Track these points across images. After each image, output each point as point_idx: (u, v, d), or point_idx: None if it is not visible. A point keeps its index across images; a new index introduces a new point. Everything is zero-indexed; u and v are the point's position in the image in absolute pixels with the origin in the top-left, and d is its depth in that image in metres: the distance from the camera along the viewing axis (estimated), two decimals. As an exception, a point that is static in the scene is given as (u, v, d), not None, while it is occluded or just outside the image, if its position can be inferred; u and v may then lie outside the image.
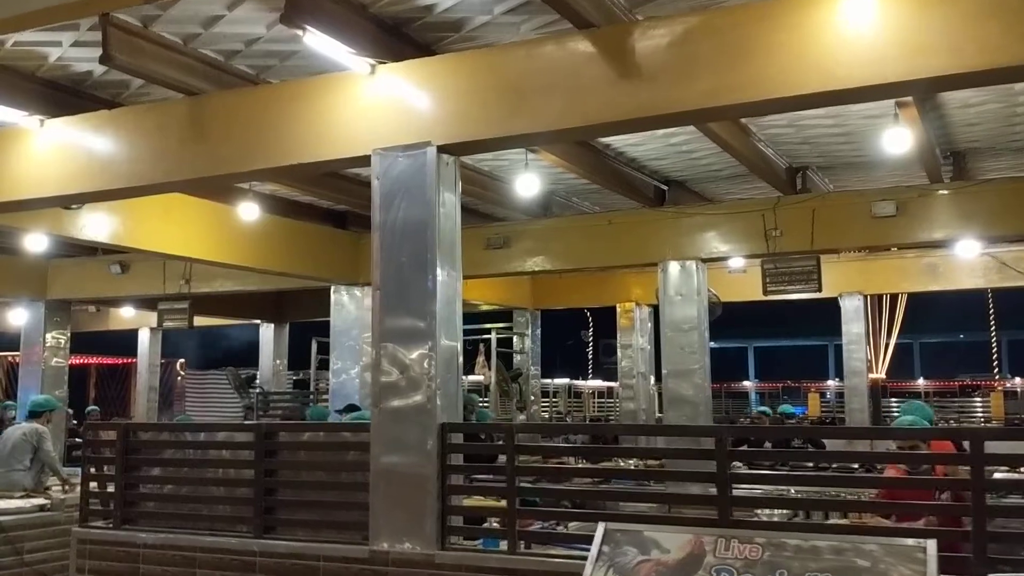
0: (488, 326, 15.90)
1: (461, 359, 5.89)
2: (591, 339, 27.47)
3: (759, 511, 5.71)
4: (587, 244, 10.99)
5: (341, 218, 11.83)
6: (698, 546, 4.51)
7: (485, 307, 16.17)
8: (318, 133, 6.15)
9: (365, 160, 5.95)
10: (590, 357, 28.55)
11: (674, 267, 10.29)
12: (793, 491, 6.54)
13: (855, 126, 8.39)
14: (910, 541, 4.11)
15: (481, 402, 17.29)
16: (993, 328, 29.06)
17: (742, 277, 13.19)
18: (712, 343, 10.81)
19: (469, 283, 13.36)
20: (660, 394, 17.24)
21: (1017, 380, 32.69)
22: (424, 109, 5.79)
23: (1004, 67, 4.43)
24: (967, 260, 13.12)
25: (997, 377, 31.09)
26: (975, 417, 26.12)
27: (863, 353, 14.61)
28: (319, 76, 6.21)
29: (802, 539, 4.32)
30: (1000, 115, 8.00)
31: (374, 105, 5.94)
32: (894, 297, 17.33)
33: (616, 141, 8.86)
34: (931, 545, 4.05)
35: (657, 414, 16.18)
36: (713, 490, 4.86)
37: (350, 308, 11.79)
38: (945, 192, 9.42)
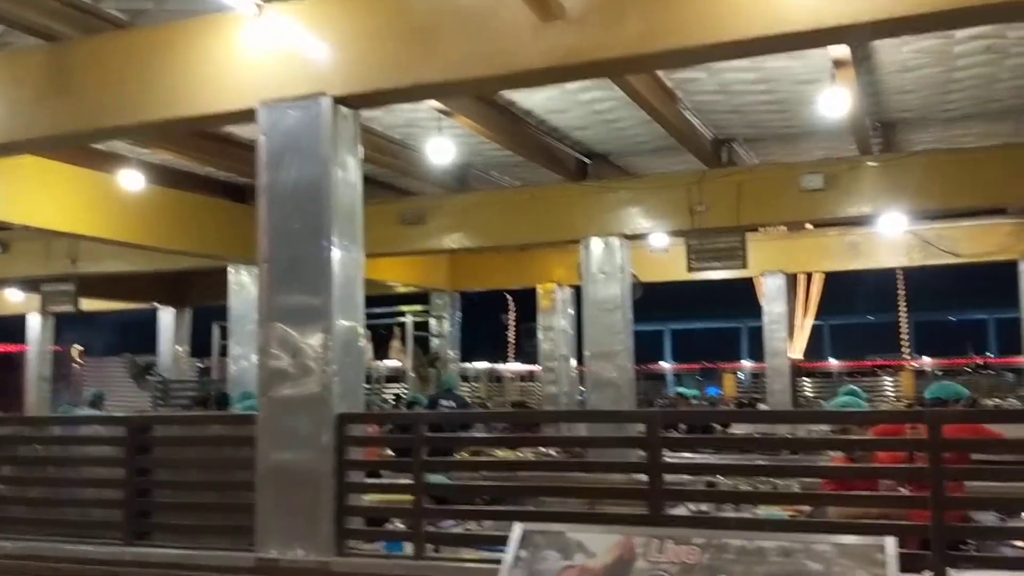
0: (404, 308, 15.18)
1: (363, 342, 5.24)
2: (513, 322, 26.97)
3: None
4: (507, 220, 10.41)
5: (240, 192, 10.99)
6: (628, 549, 3.96)
7: (401, 289, 15.48)
8: (196, 83, 5.40)
9: (250, 114, 5.22)
10: (511, 341, 28.07)
11: (597, 244, 9.79)
12: (720, 478, 6.10)
13: (786, 93, 7.96)
14: (867, 540, 3.63)
15: (400, 388, 16.64)
16: (902, 309, 29.62)
17: (663, 257, 12.77)
18: (630, 325, 10.32)
19: (383, 262, 12.81)
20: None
21: (926, 360, 33.43)
22: (318, 56, 5.09)
23: (968, 6, 3.97)
24: (889, 238, 12.96)
25: (907, 357, 31.71)
26: (886, 396, 26.52)
27: (784, 333, 14.40)
28: (198, 18, 5.44)
29: (746, 539, 3.81)
30: (936, 81, 7.65)
31: (260, 51, 5.21)
32: (809, 279, 17.23)
33: (537, 107, 8.26)
34: (890, 544, 3.58)
35: (578, 396, 15.78)
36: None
37: (250, 289, 10.94)
38: (874, 164, 9.10)
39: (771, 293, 14.23)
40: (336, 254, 5.00)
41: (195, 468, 5.46)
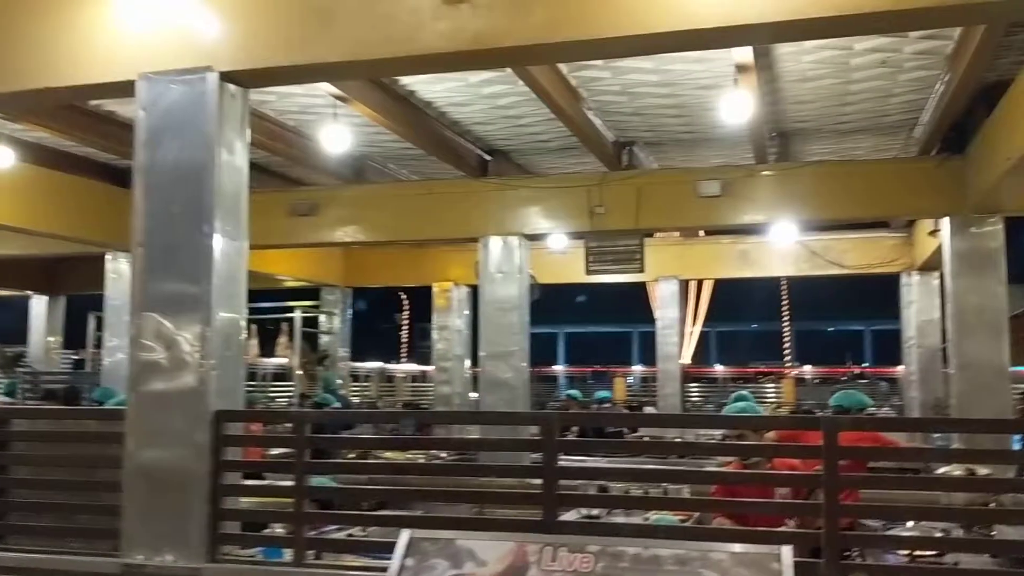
0: (292, 304, 14.68)
1: (245, 336, 4.93)
2: (406, 322, 26.61)
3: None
4: (405, 215, 10.14)
5: (121, 175, 10.40)
6: (520, 556, 3.79)
7: (291, 283, 15.00)
8: (71, 52, 4.98)
9: (129, 87, 4.85)
10: (404, 340, 27.71)
11: (495, 243, 9.63)
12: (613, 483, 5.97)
13: (688, 97, 7.96)
14: (763, 548, 3.56)
15: (286, 386, 16.11)
16: (785, 319, 30.59)
17: (560, 260, 12.73)
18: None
19: (271, 254, 12.35)
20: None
21: (807, 368, 34.57)
22: (206, 28, 4.73)
23: (871, 12, 3.97)
24: (778, 248, 13.26)
25: (789, 364, 32.73)
26: (768, 402, 27.26)
27: (677, 338, 14.57)
28: (74, -19, 5.03)
29: (641, 547, 3.70)
30: (833, 92, 7.77)
31: (143, 19, 4.82)
32: (699, 286, 17.53)
33: (439, 99, 8.05)
34: (787, 553, 3.51)
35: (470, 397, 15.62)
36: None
37: (129, 278, 10.34)
38: (770, 173, 9.23)
39: (664, 299, 14.38)
40: (218, 241, 4.68)
41: (57, 466, 5.04)
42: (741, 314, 35.16)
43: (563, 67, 7.20)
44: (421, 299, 21.77)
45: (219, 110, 4.70)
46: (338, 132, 7.66)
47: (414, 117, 8.29)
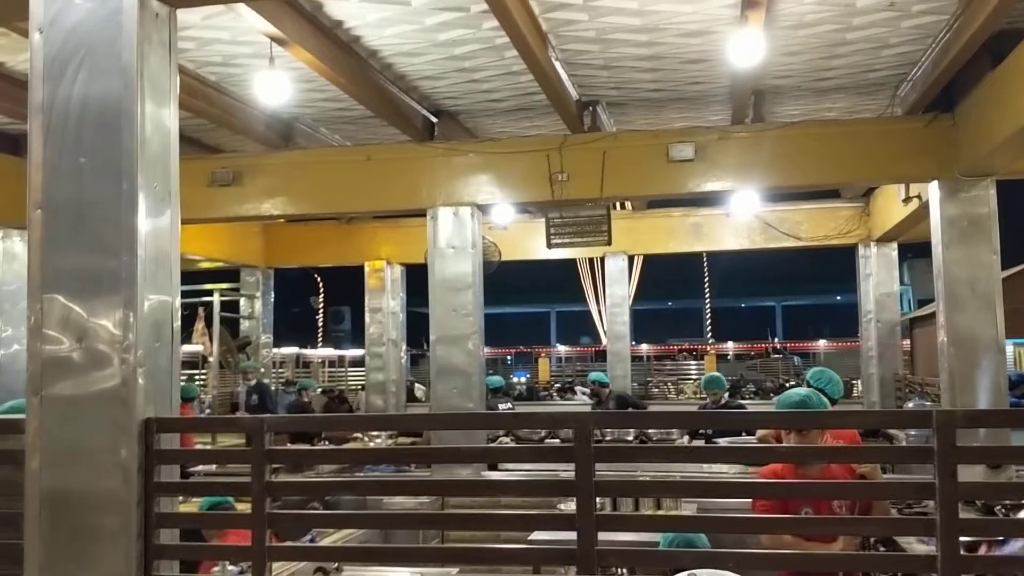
0: (210, 286, 13.43)
1: (178, 323, 3.90)
2: (322, 305, 25.46)
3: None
4: (340, 184, 9.07)
5: (15, 142, 9.10)
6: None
7: (206, 264, 13.75)
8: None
9: (20, 7, 3.76)
10: (320, 324, 26.53)
11: (446, 214, 8.67)
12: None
13: (667, 47, 7.13)
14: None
15: (199, 375, 14.89)
16: (706, 295, 30.47)
17: (503, 235, 11.86)
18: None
19: (187, 231, 11.00)
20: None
21: (729, 344, 34.65)
22: (119, -75, 3.70)
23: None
24: (732, 220, 12.67)
25: (711, 341, 32.68)
26: (692, 378, 27.05)
27: (626, 316, 13.87)
28: None
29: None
30: (826, 42, 7.03)
31: (34, -84, 3.75)
32: (630, 262, 16.91)
33: (387, 47, 7.03)
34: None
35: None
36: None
37: (25, 259, 9.05)
38: (745, 135, 8.48)
39: (613, 275, 13.68)
40: (142, 201, 3.65)
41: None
42: (657, 292, 35.01)
43: (536, 6, 6.28)
44: (336, 281, 20.64)
45: (140, 33, 3.67)
46: (275, 79, 6.54)
47: (357, 69, 7.25)
